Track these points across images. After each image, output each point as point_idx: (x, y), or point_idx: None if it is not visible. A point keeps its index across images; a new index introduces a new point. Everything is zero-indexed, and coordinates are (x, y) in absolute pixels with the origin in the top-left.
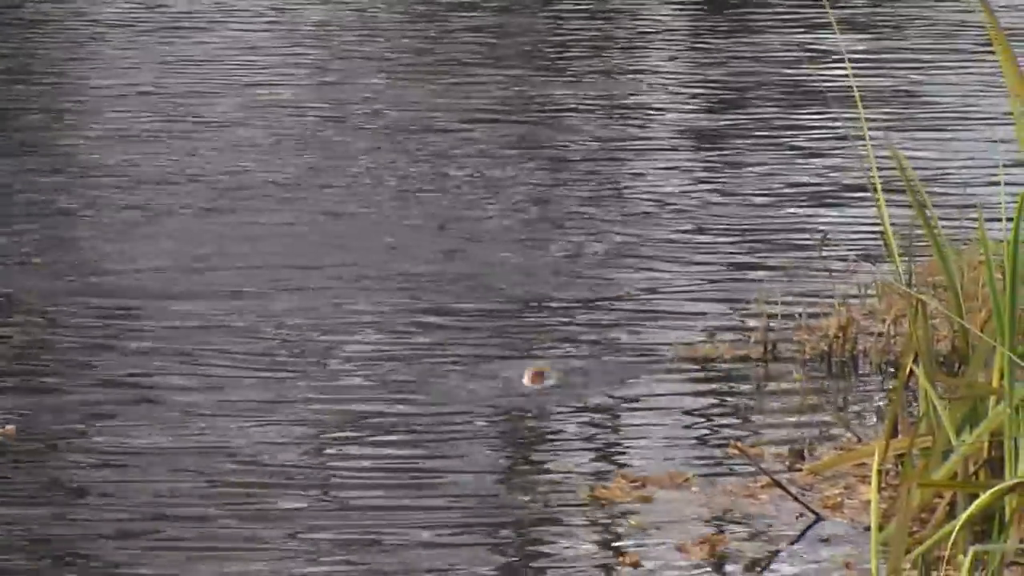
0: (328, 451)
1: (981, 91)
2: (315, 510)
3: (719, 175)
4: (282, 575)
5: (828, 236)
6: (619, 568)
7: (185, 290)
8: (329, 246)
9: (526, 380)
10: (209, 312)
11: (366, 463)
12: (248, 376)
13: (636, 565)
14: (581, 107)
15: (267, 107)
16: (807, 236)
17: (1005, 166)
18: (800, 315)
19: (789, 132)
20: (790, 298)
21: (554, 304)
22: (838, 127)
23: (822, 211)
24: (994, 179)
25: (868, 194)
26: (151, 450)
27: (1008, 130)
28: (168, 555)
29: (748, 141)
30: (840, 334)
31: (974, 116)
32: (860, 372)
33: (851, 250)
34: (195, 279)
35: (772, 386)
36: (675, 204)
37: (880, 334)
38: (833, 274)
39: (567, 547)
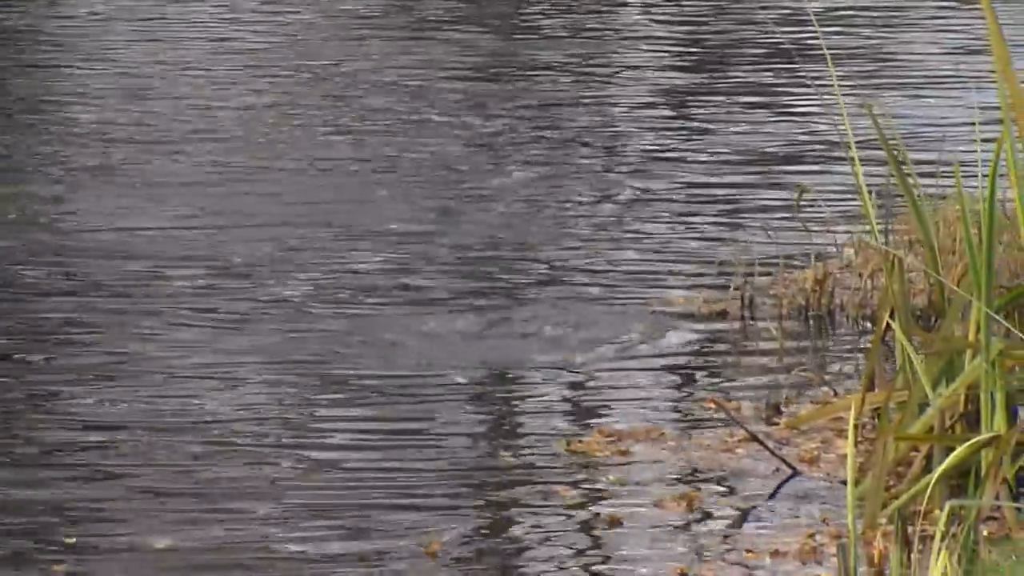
0: (305, 413)
1: (955, 52)
2: (294, 473)
3: (696, 133)
4: (265, 540)
5: (806, 191)
6: (599, 525)
7: (157, 251)
8: (303, 204)
9: None
10: (181, 274)
11: (344, 424)
12: (223, 337)
13: (615, 522)
14: (556, 66)
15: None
16: (785, 193)
17: (981, 124)
18: (777, 270)
19: (767, 92)
20: (768, 254)
21: (531, 259)
22: (816, 87)
23: (800, 168)
24: (971, 137)
25: (846, 152)
26: (123, 415)
27: (983, 91)
28: (146, 521)
29: (725, 100)
30: (817, 289)
31: (949, 77)
32: (837, 327)
33: (829, 205)
34: (166, 240)
35: (749, 340)
36: (651, 163)
37: (857, 289)
38: (810, 230)
39: (546, 505)
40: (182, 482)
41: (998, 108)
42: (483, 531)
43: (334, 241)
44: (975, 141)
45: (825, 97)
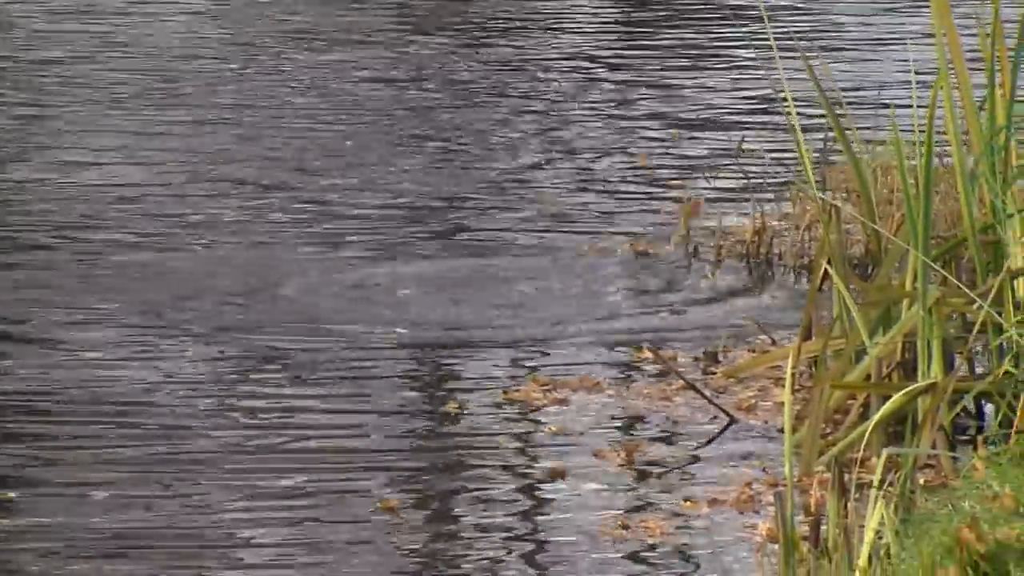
0: (239, 373)
1: (895, 8)
2: (234, 436)
3: (635, 88)
4: (207, 508)
5: (745, 142)
6: (540, 477)
7: (82, 218)
8: (238, 165)
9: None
10: (109, 241)
11: (279, 383)
12: (160, 313)
13: (557, 474)
14: (496, 27)
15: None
16: (726, 145)
17: (918, 73)
18: (716, 220)
19: (710, 48)
20: (708, 204)
21: (465, 210)
22: (758, 44)
23: (742, 119)
24: (907, 91)
25: (783, 103)
26: (51, 391)
27: (920, 49)
28: (82, 507)
29: (666, 57)
30: (756, 238)
31: (886, 35)
32: (775, 276)
33: (769, 153)
34: (92, 207)
35: (687, 289)
36: (590, 118)
37: (795, 239)
38: (750, 179)
39: (488, 456)
40: (112, 459)
41: (936, 65)
42: (425, 485)
43: (267, 211)
44: (912, 92)
45: (764, 53)
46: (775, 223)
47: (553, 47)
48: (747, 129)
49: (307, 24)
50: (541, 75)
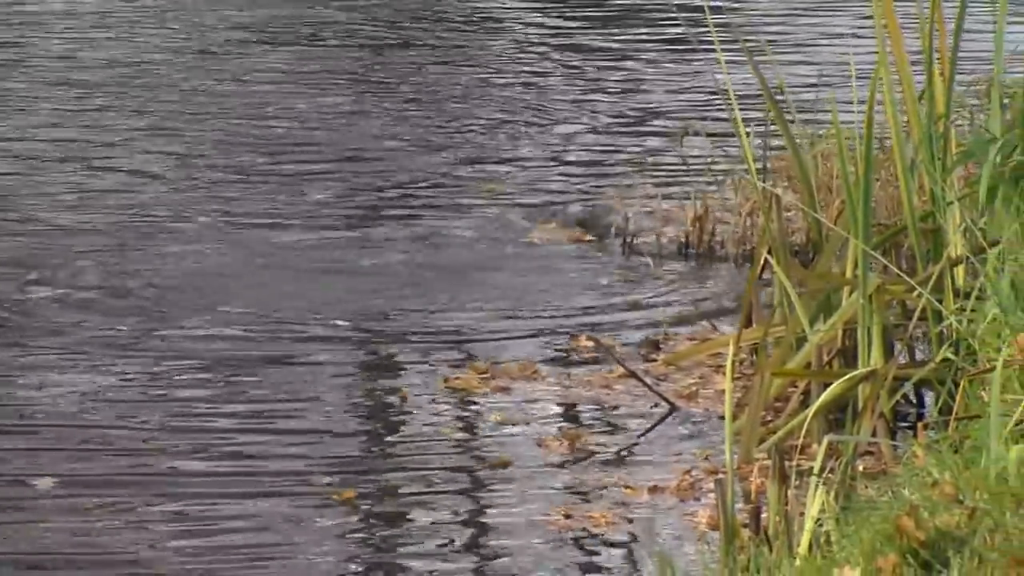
0: (178, 379)
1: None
2: (178, 425)
3: (582, 80)
4: (162, 498)
5: (688, 129)
6: (483, 468)
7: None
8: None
9: None
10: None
11: (222, 374)
12: (97, 316)
13: (500, 465)
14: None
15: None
16: (669, 131)
17: (856, 55)
18: (658, 207)
19: (653, 43)
20: (649, 192)
21: (409, 198)
22: (696, 37)
23: (685, 109)
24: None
25: (724, 92)
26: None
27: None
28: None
29: (608, 51)
30: (697, 226)
31: (831, 27)
32: (716, 263)
33: (711, 140)
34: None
35: (628, 275)
36: (540, 107)
37: (736, 226)
38: (691, 166)
39: (431, 447)
40: (55, 460)
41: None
42: (369, 477)
43: (187, 194)
44: (851, 79)
45: (707, 45)
46: (717, 212)
47: (500, 40)
48: (693, 118)
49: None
50: (490, 69)
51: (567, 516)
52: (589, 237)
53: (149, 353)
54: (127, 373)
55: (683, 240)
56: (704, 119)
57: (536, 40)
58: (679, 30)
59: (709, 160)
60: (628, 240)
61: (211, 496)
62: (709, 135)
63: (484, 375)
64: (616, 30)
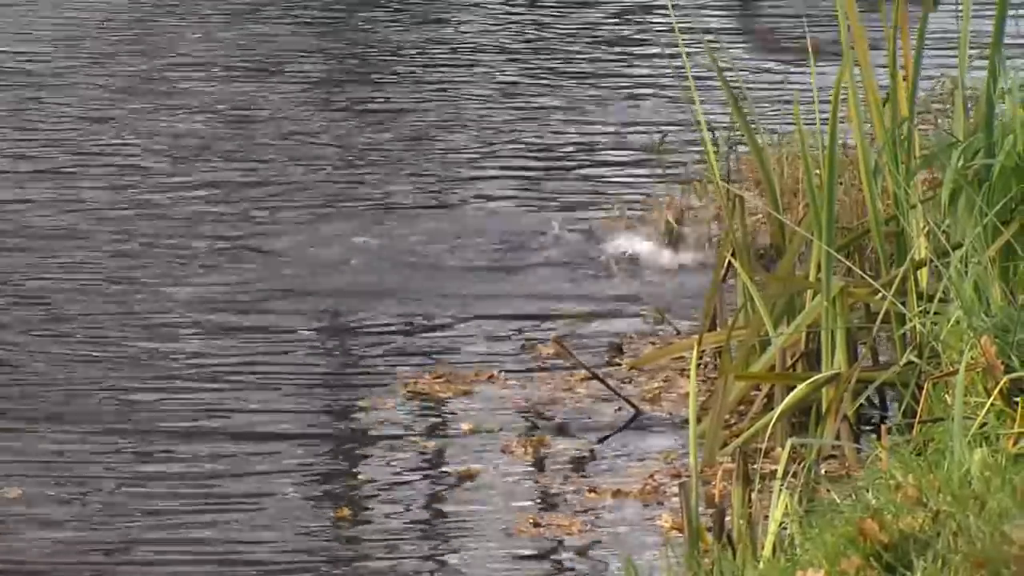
0: (142, 357)
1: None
2: (134, 425)
3: (548, 78)
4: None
5: (666, 137)
6: (449, 478)
7: None
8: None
9: None
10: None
11: (184, 370)
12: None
13: (466, 476)
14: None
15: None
16: (645, 137)
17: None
18: (629, 209)
19: (626, 44)
20: (620, 195)
21: (376, 200)
22: (663, 40)
23: (660, 113)
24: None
25: (688, 95)
26: None
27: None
28: None
29: (583, 52)
30: (666, 229)
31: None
32: (683, 266)
33: (688, 145)
34: None
35: (594, 279)
36: (506, 108)
37: (703, 230)
38: (666, 171)
39: (395, 453)
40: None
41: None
42: (332, 485)
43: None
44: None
45: (672, 46)
46: (686, 213)
47: (466, 36)
48: (668, 120)
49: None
50: (452, 64)
51: (534, 524)
52: (556, 239)
53: (107, 358)
54: (87, 352)
55: (652, 243)
56: (677, 125)
57: (506, 43)
58: (646, 36)
59: (683, 163)
60: (596, 243)
61: (171, 498)
62: (687, 140)
63: (445, 380)
64: (581, 34)
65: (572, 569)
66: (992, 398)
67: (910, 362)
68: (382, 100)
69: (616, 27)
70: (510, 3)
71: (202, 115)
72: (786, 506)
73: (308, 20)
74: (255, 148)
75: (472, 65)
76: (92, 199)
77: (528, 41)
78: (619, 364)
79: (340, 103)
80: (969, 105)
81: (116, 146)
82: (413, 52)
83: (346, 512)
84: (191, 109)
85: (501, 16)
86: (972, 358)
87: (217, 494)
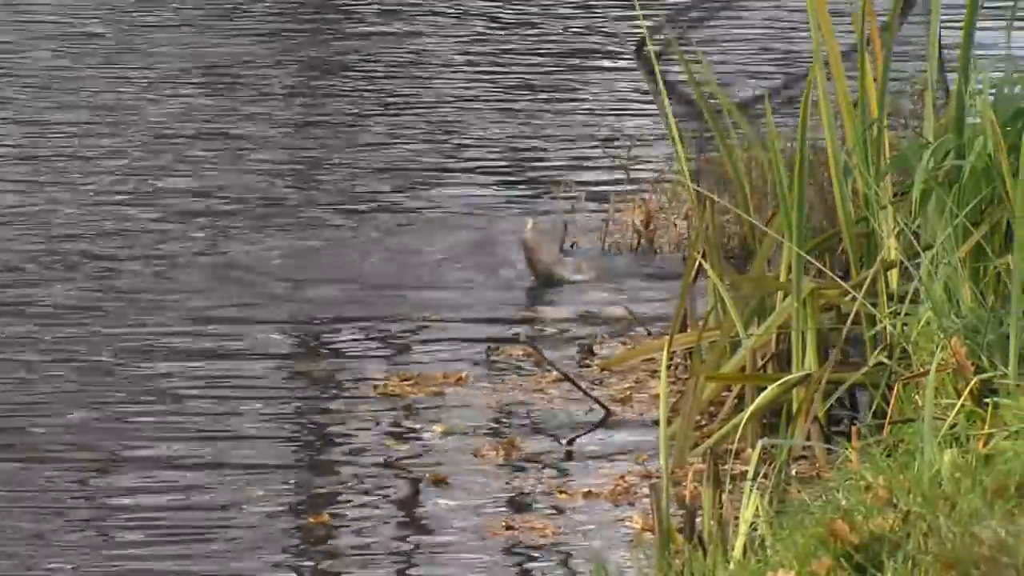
0: (109, 362)
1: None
2: (106, 425)
3: (514, 84)
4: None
5: (638, 138)
6: (421, 481)
7: None
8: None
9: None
10: None
11: (153, 377)
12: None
13: (439, 480)
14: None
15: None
16: (617, 139)
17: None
18: (601, 212)
19: (592, 47)
20: (593, 196)
21: (347, 198)
22: (628, 43)
23: (634, 115)
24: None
25: (657, 95)
26: None
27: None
28: None
29: (547, 59)
30: (640, 229)
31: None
32: (653, 267)
33: (657, 147)
34: None
35: (566, 280)
36: (475, 111)
37: (674, 231)
38: (638, 172)
39: (366, 457)
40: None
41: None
42: (305, 490)
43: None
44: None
45: (640, 48)
46: (658, 214)
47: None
48: (641, 123)
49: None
50: (418, 66)
51: (507, 526)
52: (528, 240)
53: (77, 363)
54: (55, 356)
55: (623, 243)
56: (648, 127)
57: (472, 49)
58: (615, 38)
59: (656, 163)
60: (569, 245)
61: (140, 505)
62: (659, 141)
63: (415, 382)
64: (546, 36)
65: (543, 570)
66: (962, 399)
67: (880, 363)
68: (341, 111)
69: (579, 36)
70: (469, 16)
71: (156, 129)
72: (757, 507)
73: (265, 31)
74: (208, 161)
75: (432, 76)
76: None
77: (489, 53)
78: (590, 365)
79: (298, 114)
80: (940, 105)
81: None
82: (371, 62)
83: (317, 516)
84: (146, 124)
85: (461, 28)
86: (942, 359)
87: (182, 493)
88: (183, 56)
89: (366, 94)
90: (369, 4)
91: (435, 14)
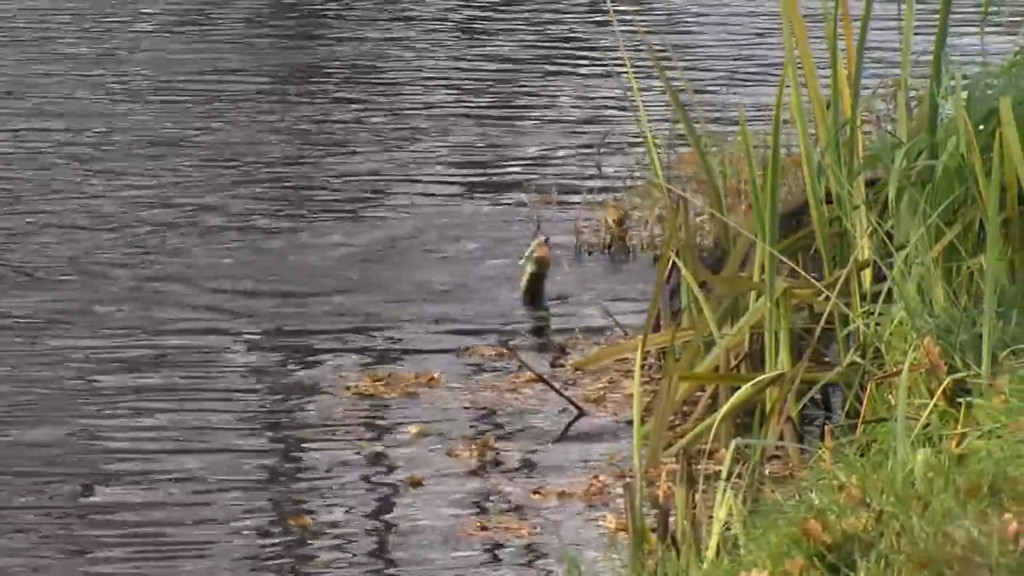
0: (77, 363)
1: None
2: (77, 427)
3: (491, 90)
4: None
5: (605, 136)
6: (397, 483)
7: None
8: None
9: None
10: None
11: (130, 376)
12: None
13: (415, 483)
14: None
15: None
16: (590, 137)
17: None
18: (576, 209)
19: (563, 49)
20: (566, 199)
21: (317, 203)
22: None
23: (606, 114)
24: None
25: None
26: None
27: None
28: None
29: (521, 61)
30: (612, 229)
31: (741, 31)
32: (629, 267)
33: (630, 146)
34: None
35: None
36: (448, 118)
37: (647, 231)
38: (611, 172)
39: (340, 456)
40: None
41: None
42: (278, 490)
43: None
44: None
45: (616, 53)
46: (632, 214)
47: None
48: (612, 122)
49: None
50: (398, 69)
51: (483, 528)
52: (502, 240)
53: (53, 360)
54: (29, 362)
55: (598, 243)
56: (621, 127)
57: (440, 51)
58: (588, 39)
59: (629, 165)
60: (543, 239)
61: (111, 508)
62: (632, 142)
63: (386, 383)
64: (517, 38)
65: (517, 571)
66: (935, 399)
67: (854, 363)
68: (309, 118)
69: (555, 43)
70: (443, 23)
71: (116, 134)
72: (730, 507)
73: (238, 37)
74: (177, 163)
75: (404, 82)
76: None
77: (461, 59)
78: (563, 366)
79: (271, 119)
80: (912, 105)
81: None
82: (341, 68)
83: (291, 518)
84: (106, 128)
85: (435, 35)
86: (915, 359)
87: (155, 496)
88: (148, 63)
89: (335, 101)
90: (340, 10)
91: (407, 20)
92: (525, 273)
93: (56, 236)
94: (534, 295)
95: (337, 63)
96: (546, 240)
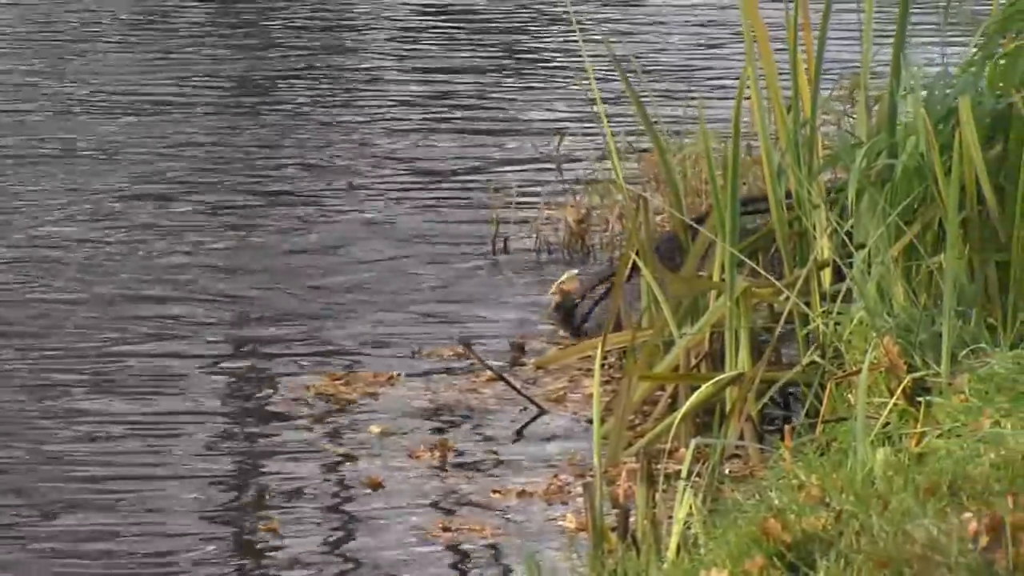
0: (46, 362)
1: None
2: (46, 435)
3: (455, 95)
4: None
5: (566, 133)
6: (356, 484)
7: None
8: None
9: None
10: None
11: (88, 375)
12: None
13: (375, 484)
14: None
15: None
16: (547, 137)
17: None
18: (535, 210)
19: (526, 51)
20: (527, 197)
21: (282, 203)
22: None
23: (563, 113)
24: (717, 83)
25: (590, 96)
26: None
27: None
28: None
29: (485, 64)
30: (571, 229)
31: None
32: (589, 266)
33: (588, 145)
34: None
35: (499, 279)
36: (406, 118)
37: (606, 230)
38: (568, 171)
39: (302, 457)
40: None
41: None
42: (237, 493)
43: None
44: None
45: (578, 51)
46: (593, 213)
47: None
48: (571, 122)
49: None
50: (360, 73)
51: (445, 528)
52: (462, 240)
53: (16, 369)
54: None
55: (557, 243)
56: (582, 126)
57: (401, 51)
58: (547, 41)
59: (589, 164)
60: (502, 243)
61: (79, 508)
62: (589, 140)
63: (345, 382)
64: (480, 43)
65: (477, 570)
66: (895, 398)
67: (813, 362)
68: (270, 123)
69: (519, 49)
70: (405, 30)
71: (77, 146)
72: (690, 506)
73: (184, 46)
74: (120, 173)
75: (367, 90)
76: None
77: (423, 68)
78: (524, 365)
79: (237, 123)
80: (872, 104)
81: None
82: (303, 76)
83: (252, 519)
84: (72, 142)
85: (398, 42)
86: (875, 358)
87: (116, 499)
88: (108, 72)
89: (287, 108)
90: (303, 18)
91: (371, 28)
92: (552, 303)
93: (5, 252)
94: (564, 318)
95: (288, 71)
96: (577, 273)
